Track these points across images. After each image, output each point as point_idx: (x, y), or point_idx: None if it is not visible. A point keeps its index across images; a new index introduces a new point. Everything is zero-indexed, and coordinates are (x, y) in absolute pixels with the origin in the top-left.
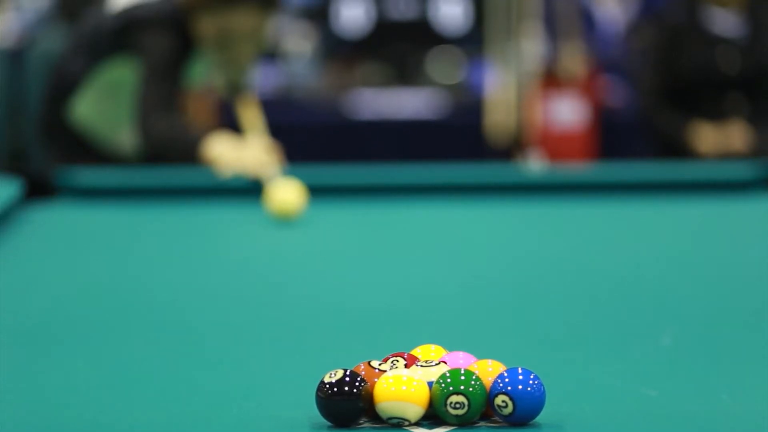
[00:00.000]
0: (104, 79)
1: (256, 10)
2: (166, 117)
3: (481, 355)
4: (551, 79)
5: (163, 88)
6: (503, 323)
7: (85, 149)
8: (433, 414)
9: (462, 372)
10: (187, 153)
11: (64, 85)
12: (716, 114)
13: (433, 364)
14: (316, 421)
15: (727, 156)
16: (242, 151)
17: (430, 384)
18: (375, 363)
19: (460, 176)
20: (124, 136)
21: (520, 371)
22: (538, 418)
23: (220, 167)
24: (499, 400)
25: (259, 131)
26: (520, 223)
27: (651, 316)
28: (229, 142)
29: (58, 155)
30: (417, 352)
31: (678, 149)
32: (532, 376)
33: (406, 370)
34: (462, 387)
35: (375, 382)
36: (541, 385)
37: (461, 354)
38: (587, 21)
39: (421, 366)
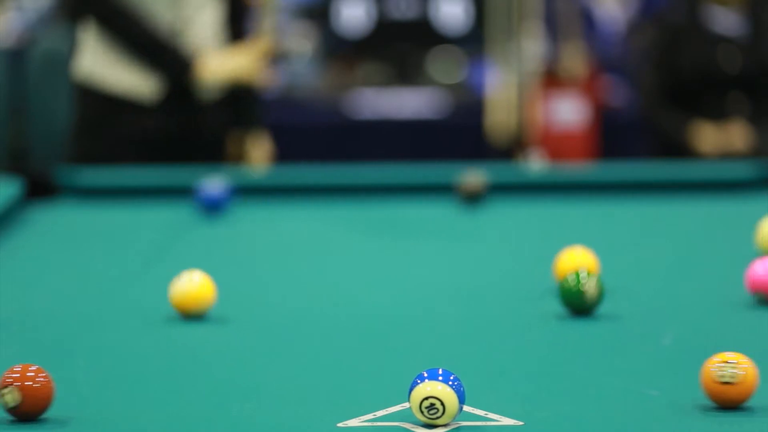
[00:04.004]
0: None
1: None
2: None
3: (480, 356)
4: (552, 79)
5: None
6: (503, 322)
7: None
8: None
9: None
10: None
11: None
12: (717, 113)
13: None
14: (318, 422)
15: (727, 156)
16: (233, 61)
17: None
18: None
19: (460, 176)
20: (133, 73)
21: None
22: (539, 419)
23: (209, 78)
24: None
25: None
26: (521, 223)
27: (652, 315)
28: (221, 56)
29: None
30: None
31: (678, 149)
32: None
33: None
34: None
35: None
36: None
37: None
38: (587, 21)
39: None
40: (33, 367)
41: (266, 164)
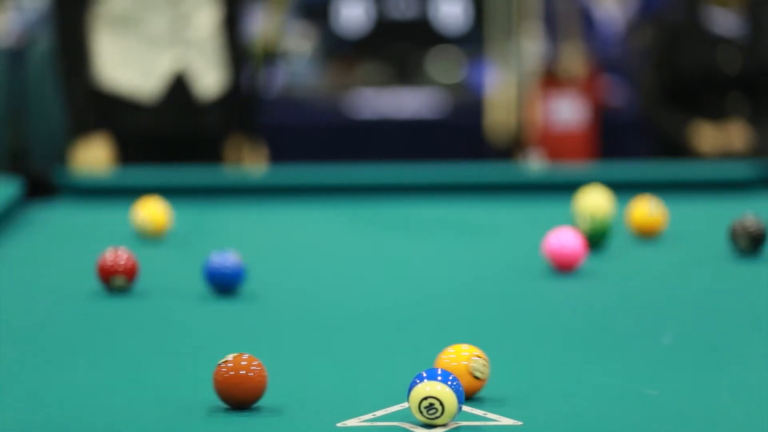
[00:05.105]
0: (108, 16)
1: None
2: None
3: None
4: (551, 79)
5: None
6: (503, 322)
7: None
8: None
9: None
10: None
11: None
12: (717, 113)
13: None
14: (319, 423)
15: (727, 156)
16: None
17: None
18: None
19: (460, 176)
20: (133, 73)
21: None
22: (539, 420)
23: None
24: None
25: None
26: (520, 223)
27: (651, 315)
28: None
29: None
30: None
31: (678, 149)
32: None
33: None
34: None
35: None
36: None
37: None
38: (587, 21)
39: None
40: (246, 356)
41: (262, 168)
